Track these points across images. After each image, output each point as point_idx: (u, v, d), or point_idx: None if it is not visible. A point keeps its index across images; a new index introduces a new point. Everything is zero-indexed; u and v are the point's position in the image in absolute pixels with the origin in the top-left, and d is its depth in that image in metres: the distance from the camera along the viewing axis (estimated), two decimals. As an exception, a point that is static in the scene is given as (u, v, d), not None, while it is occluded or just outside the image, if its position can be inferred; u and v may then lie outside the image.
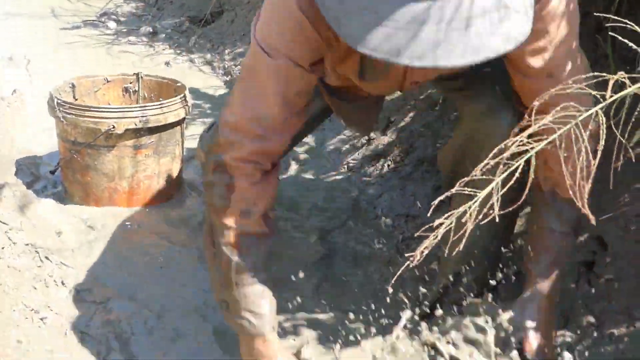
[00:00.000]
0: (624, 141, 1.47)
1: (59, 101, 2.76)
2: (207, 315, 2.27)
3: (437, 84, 2.24)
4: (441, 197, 1.43)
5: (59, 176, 2.99)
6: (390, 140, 3.07)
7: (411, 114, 3.08)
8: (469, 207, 1.37)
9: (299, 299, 2.19)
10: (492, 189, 1.37)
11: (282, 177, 3.14)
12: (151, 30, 5.28)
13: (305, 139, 3.35)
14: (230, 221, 1.80)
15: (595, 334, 2.07)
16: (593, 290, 2.15)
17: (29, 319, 2.18)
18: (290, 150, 2.76)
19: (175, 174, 2.94)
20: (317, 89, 2.03)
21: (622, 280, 2.12)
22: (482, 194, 1.38)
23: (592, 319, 2.10)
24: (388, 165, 2.98)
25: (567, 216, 1.94)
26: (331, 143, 3.24)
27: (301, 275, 2.16)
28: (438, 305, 2.11)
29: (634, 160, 1.89)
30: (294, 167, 3.14)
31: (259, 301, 1.85)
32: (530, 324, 1.93)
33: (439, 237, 1.40)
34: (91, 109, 2.74)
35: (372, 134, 3.12)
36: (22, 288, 2.29)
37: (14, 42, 4.96)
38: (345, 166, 3.10)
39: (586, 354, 2.02)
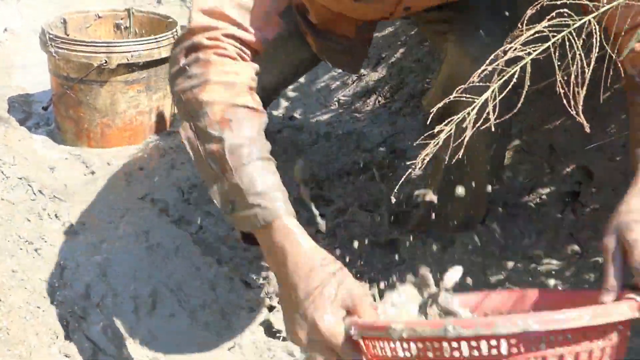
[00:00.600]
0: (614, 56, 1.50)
1: (51, 36, 2.76)
2: (203, 244, 2.31)
3: (424, 25, 2.23)
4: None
5: (51, 113, 3.00)
6: (381, 77, 3.09)
7: (402, 50, 3.10)
8: (468, 114, 1.39)
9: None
10: (489, 96, 1.39)
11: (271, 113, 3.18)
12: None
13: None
14: (212, 95, 1.57)
15: (580, 262, 2.13)
16: (578, 220, 2.21)
17: (23, 250, 2.21)
18: (274, 99, 2.78)
19: (167, 110, 2.96)
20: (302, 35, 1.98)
21: (607, 210, 2.17)
22: (480, 100, 1.40)
23: (576, 248, 2.16)
24: (378, 101, 3.00)
25: None
26: (322, 80, 3.25)
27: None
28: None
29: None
30: (283, 105, 3.16)
31: (266, 177, 1.52)
32: None
33: (440, 143, 1.40)
34: (83, 43, 2.74)
35: (362, 71, 3.14)
36: (16, 219, 2.31)
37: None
38: (336, 103, 3.12)
39: (571, 281, 2.09)
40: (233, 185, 1.51)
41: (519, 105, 1.47)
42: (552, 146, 2.41)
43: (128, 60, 2.74)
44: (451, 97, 1.44)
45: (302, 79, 3.36)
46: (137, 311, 2.10)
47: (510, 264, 2.17)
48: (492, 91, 1.40)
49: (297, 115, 3.06)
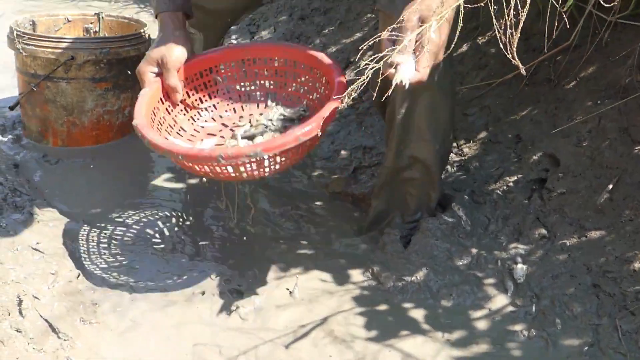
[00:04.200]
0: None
1: (19, 32, 2.74)
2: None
3: None
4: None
5: (18, 117, 2.97)
6: (349, 79, 3.08)
7: (369, 53, 3.10)
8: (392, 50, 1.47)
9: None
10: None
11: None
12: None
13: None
14: None
15: (547, 246, 2.10)
16: (545, 205, 2.19)
17: (-21, 236, 2.16)
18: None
19: (135, 110, 2.93)
20: None
21: (573, 194, 2.16)
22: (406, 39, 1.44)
23: (544, 231, 2.14)
24: (346, 103, 2.98)
25: None
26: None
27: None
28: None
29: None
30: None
31: None
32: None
33: (367, 79, 1.47)
34: (50, 39, 2.72)
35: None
36: (-28, 209, 2.27)
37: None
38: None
39: (539, 264, 2.06)
40: None
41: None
42: (519, 136, 2.40)
43: (96, 57, 2.72)
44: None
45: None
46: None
47: (475, 251, 2.14)
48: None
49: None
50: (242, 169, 1.81)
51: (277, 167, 1.84)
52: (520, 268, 2.06)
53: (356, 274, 2.15)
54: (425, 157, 2.18)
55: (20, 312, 1.89)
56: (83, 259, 2.21)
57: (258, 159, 1.76)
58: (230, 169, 1.81)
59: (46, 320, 1.90)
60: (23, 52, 2.73)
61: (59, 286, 2.04)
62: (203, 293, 2.06)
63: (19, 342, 1.79)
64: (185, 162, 1.82)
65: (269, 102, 2.22)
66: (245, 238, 2.31)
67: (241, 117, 2.21)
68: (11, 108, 2.91)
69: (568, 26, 2.09)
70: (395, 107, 2.13)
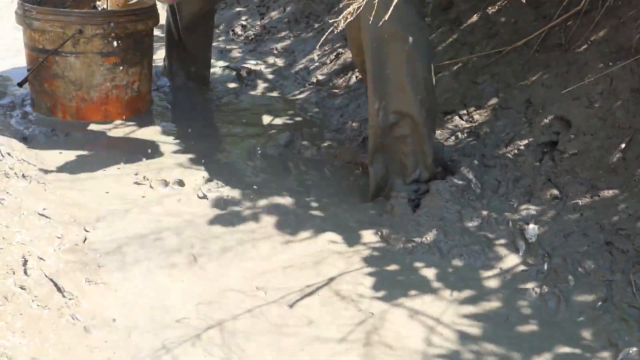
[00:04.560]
0: None
1: (27, 7, 2.74)
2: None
3: None
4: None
5: (27, 95, 2.97)
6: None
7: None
8: None
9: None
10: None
11: (251, 93, 3.16)
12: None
13: (273, 61, 3.37)
14: None
15: (559, 206, 2.07)
16: (557, 166, 2.15)
17: (-16, 200, 2.15)
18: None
19: (144, 86, 2.92)
20: None
21: (585, 154, 2.13)
22: None
23: (556, 192, 2.11)
24: (356, 77, 2.97)
25: None
26: (300, 63, 3.23)
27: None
28: None
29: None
30: (261, 86, 3.14)
31: None
32: None
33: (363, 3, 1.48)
34: (58, 12, 2.72)
35: (340, 50, 3.13)
36: (-21, 175, 2.26)
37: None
38: (314, 81, 3.09)
39: (551, 224, 2.03)
40: None
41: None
42: (530, 100, 2.37)
43: (104, 30, 2.71)
44: None
45: (280, 62, 3.35)
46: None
47: (485, 212, 2.11)
48: None
49: (275, 94, 3.04)
50: None
51: None
52: (532, 228, 2.03)
53: (365, 236, 2.13)
54: (409, 110, 2.18)
55: (25, 272, 1.87)
56: (90, 225, 2.19)
57: None
58: None
59: (51, 279, 1.88)
60: (32, 28, 2.73)
61: (64, 248, 2.02)
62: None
63: (22, 298, 1.77)
64: None
65: None
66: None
67: None
68: (20, 84, 2.91)
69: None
70: (368, 60, 2.14)
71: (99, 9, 3.09)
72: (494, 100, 2.45)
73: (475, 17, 2.77)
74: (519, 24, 2.58)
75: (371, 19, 1.70)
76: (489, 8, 2.73)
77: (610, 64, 2.21)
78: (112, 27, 2.72)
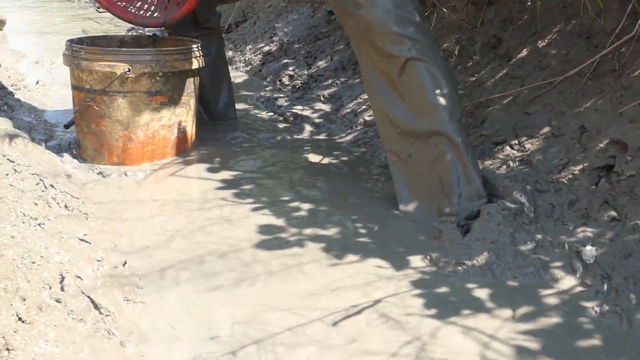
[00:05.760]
0: None
1: (75, 47, 2.77)
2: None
3: None
4: None
5: (73, 136, 2.98)
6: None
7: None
8: None
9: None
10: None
11: (296, 137, 3.12)
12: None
13: (319, 106, 3.35)
14: None
15: (617, 227, 1.97)
16: (614, 188, 2.06)
17: (25, 224, 2.10)
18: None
19: (190, 127, 2.91)
20: None
21: (644, 175, 2.03)
22: None
23: (614, 214, 2.01)
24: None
25: None
26: (347, 107, 3.20)
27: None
28: None
29: None
30: (307, 129, 3.11)
31: None
32: None
33: None
34: (106, 52, 2.74)
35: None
36: (23, 202, 2.22)
37: (44, 52, 5.17)
38: (362, 121, 3.05)
39: (609, 246, 1.92)
40: None
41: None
42: (584, 126, 2.29)
43: (152, 69, 2.71)
44: None
45: (327, 108, 3.32)
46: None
47: (539, 236, 2.01)
48: None
49: (322, 136, 3.00)
50: None
51: None
52: (589, 249, 1.93)
53: (414, 261, 2.04)
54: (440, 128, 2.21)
55: (62, 288, 1.82)
56: (130, 251, 2.14)
57: None
58: None
59: (88, 296, 1.82)
60: (79, 68, 2.75)
61: (103, 270, 1.97)
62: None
63: (57, 310, 1.71)
64: None
65: None
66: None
67: None
68: (66, 126, 2.92)
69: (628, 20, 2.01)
70: None
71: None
72: (546, 129, 2.38)
73: (524, 52, 2.72)
74: (571, 55, 2.52)
75: None
76: (539, 42, 2.68)
77: (667, 85, 2.13)
78: (161, 65, 2.72)
